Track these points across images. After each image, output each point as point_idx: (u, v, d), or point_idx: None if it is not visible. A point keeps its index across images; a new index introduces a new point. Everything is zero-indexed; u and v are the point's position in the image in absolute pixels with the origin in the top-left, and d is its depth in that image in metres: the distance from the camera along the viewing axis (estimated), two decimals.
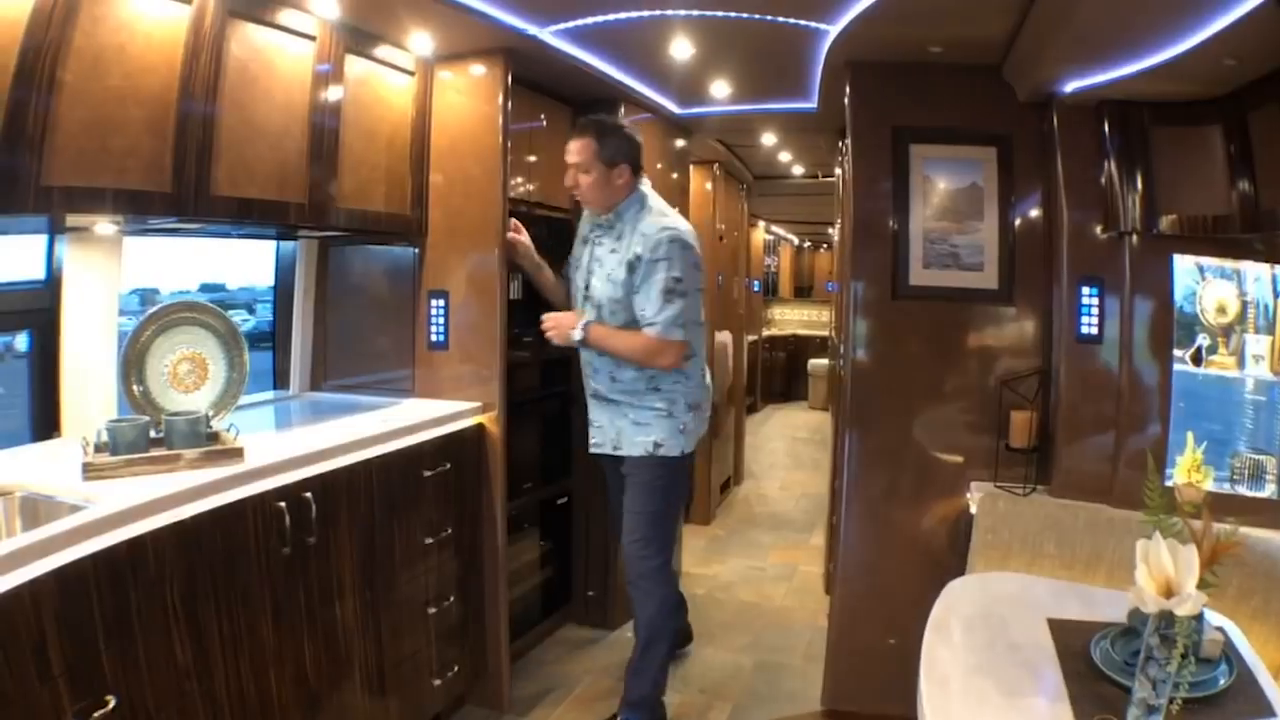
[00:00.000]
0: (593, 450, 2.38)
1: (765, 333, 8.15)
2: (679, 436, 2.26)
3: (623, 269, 2.19)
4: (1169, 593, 1.10)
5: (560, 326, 2.27)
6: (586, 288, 2.29)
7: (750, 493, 5.02)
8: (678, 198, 3.36)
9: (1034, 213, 2.30)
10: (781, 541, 4.08)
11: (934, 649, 1.41)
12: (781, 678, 2.69)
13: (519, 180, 2.57)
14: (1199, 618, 1.14)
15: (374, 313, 2.53)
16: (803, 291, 9.90)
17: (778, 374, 8.56)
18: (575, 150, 2.20)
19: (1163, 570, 1.11)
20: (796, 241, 9.74)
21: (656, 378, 2.24)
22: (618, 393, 2.28)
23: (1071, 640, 1.41)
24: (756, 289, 6.74)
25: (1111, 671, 1.28)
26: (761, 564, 3.75)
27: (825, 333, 8.84)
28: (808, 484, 5.20)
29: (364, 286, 2.56)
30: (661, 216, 2.22)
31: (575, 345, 2.28)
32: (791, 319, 9.70)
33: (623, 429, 2.28)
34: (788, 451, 6.32)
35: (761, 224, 7.54)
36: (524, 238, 2.42)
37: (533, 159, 2.67)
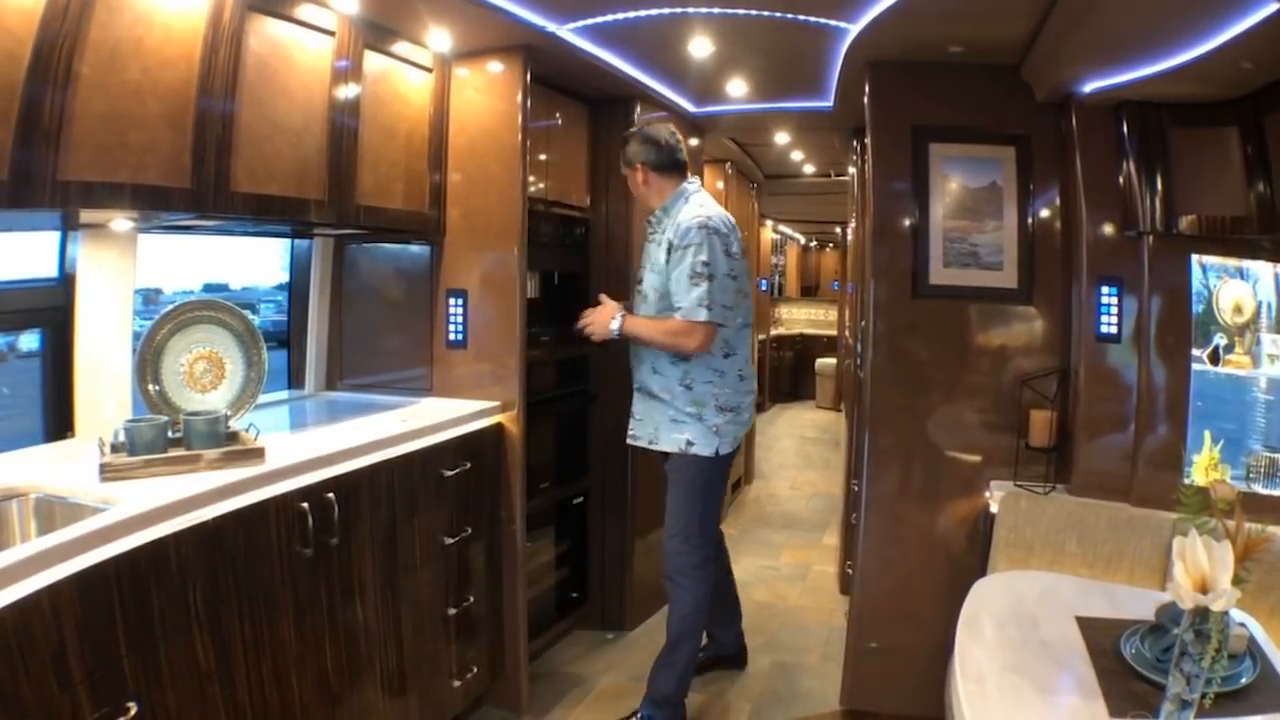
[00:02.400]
0: (629, 442, 2.41)
1: (772, 332, 8.14)
2: (712, 438, 2.27)
3: (662, 256, 2.25)
4: (1204, 589, 1.12)
5: (597, 321, 2.32)
6: (640, 283, 2.38)
7: (760, 492, 5.01)
8: None
9: (1053, 212, 2.29)
10: (794, 541, 4.07)
11: (967, 648, 1.41)
12: (799, 678, 2.68)
13: (534, 178, 2.56)
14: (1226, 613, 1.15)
15: (390, 311, 2.52)
16: (809, 291, 9.90)
17: (785, 373, 8.55)
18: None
19: (1199, 567, 1.14)
20: (803, 241, 9.74)
21: (691, 374, 2.26)
22: (657, 387, 2.31)
23: (1101, 638, 1.43)
24: (764, 288, 6.73)
25: (1144, 669, 1.31)
26: (774, 563, 3.74)
27: (832, 332, 8.86)
28: (818, 483, 5.19)
29: (380, 285, 2.55)
30: (699, 208, 2.26)
31: (613, 338, 2.30)
32: (798, 318, 9.70)
33: (660, 425, 2.31)
34: (797, 451, 6.30)
35: (769, 223, 7.53)
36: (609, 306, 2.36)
37: (550, 157, 2.66)
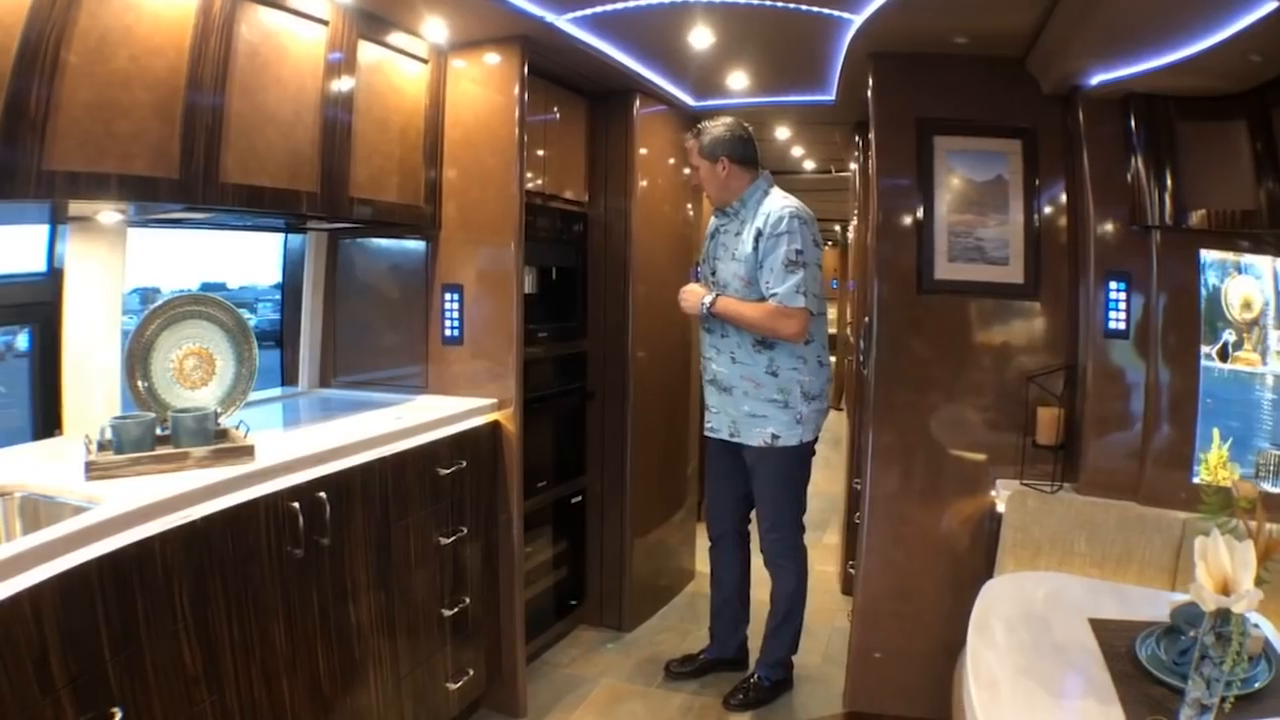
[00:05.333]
0: (708, 434, 2.49)
1: None
2: (796, 427, 2.34)
3: (748, 245, 2.31)
4: (1226, 590, 1.10)
5: (692, 296, 2.40)
6: (714, 274, 2.43)
7: None
8: (692, 194, 3.31)
9: (1059, 206, 2.26)
10: None
11: (979, 651, 1.37)
12: (802, 680, 2.65)
13: (531, 172, 2.52)
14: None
15: (385, 307, 2.48)
16: None
17: None
18: (688, 150, 2.46)
19: (1220, 568, 1.11)
20: None
21: (776, 361, 2.33)
22: (737, 377, 2.36)
23: (1114, 640, 1.40)
24: None
25: (1160, 673, 1.27)
26: None
27: (833, 330, 8.81)
28: (818, 482, 5.07)
29: (374, 281, 2.51)
30: (784, 199, 2.34)
31: (704, 313, 2.36)
32: None
33: (738, 419, 2.38)
34: None
35: None
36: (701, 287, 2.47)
37: (548, 151, 2.62)
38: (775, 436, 2.34)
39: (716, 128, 2.38)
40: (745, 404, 2.36)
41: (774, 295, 2.25)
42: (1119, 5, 1.66)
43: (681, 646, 2.68)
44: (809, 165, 4.72)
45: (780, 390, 2.33)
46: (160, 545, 1.32)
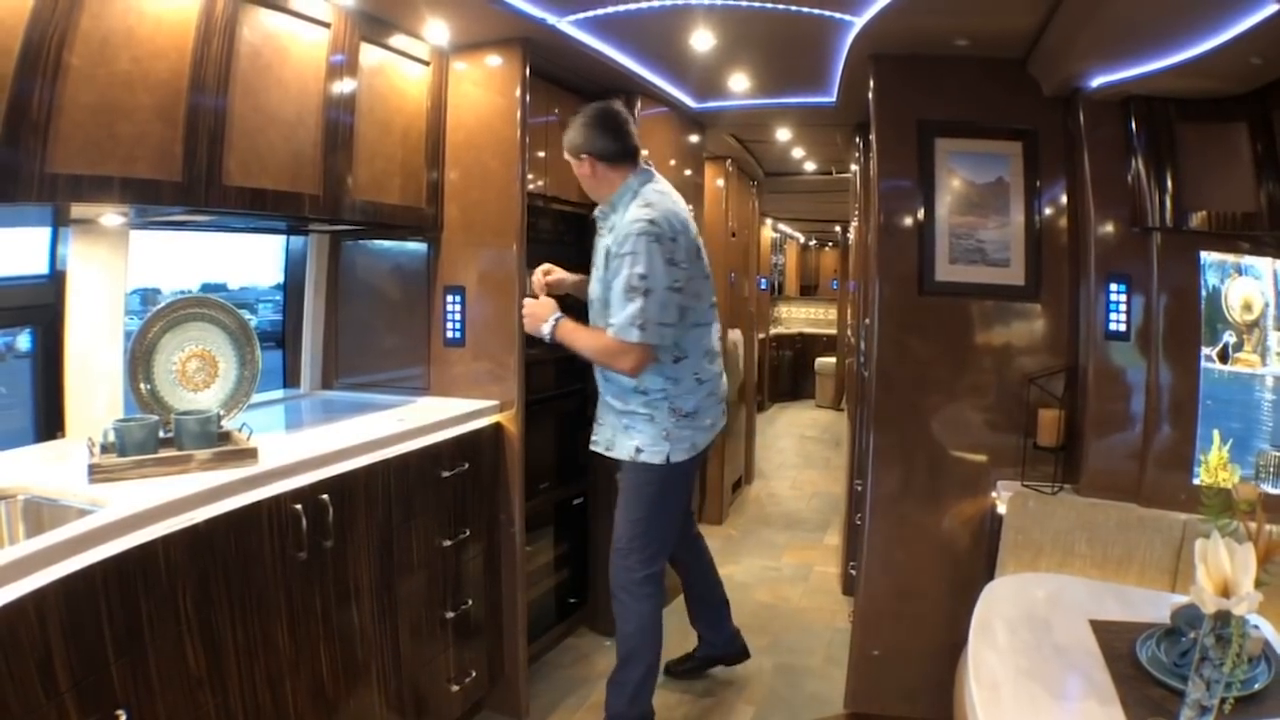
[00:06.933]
0: (590, 448, 2.29)
1: (772, 331, 8.11)
2: (663, 443, 2.11)
3: (601, 264, 2.09)
4: (1226, 593, 1.10)
5: (534, 317, 2.11)
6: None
7: (761, 492, 4.98)
8: (692, 194, 3.31)
9: (1060, 208, 2.26)
10: (795, 541, 4.04)
11: (981, 652, 1.38)
12: (803, 680, 2.65)
13: (533, 174, 2.51)
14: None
15: (387, 309, 2.48)
16: (808, 290, 9.88)
17: (785, 372, 8.53)
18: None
19: (1220, 570, 1.12)
20: (803, 239, 9.71)
21: (644, 380, 2.09)
22: (610, 394, 2.18)
23: (1115, 642, 1.41)
24: (764, 287, 6.70)
25: (1161, 674, 1.28)
26: (776, 564, 3.71)
27: (832, 331, 8.84)
28: (819, 483, 5.16)
29: (376, 282, 2.51)
30: (644, 207, 2.01)
31: (544, 339, 2.11)
32: (798, 317, 9.68)
33: (616, 430, 2.18)
34: (797, 450, 6.27)
35: (769, 221, 7.50)
36: (556, 276, 2.23)
37: (549, 153, 2.62)
38: (639, 450, 2.11)
39: (577, 122, 2.10)
40: (624, 418, 2.14)
41: (611, 325, 2.00)
42: (1122, 7, 1.66)
43: (683, 646, 2.68)
44: (810, 166, 4.73)
45: (647, 405, 2.11)
46: (164, 548, 1.32)
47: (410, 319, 2.43)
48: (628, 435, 2.14)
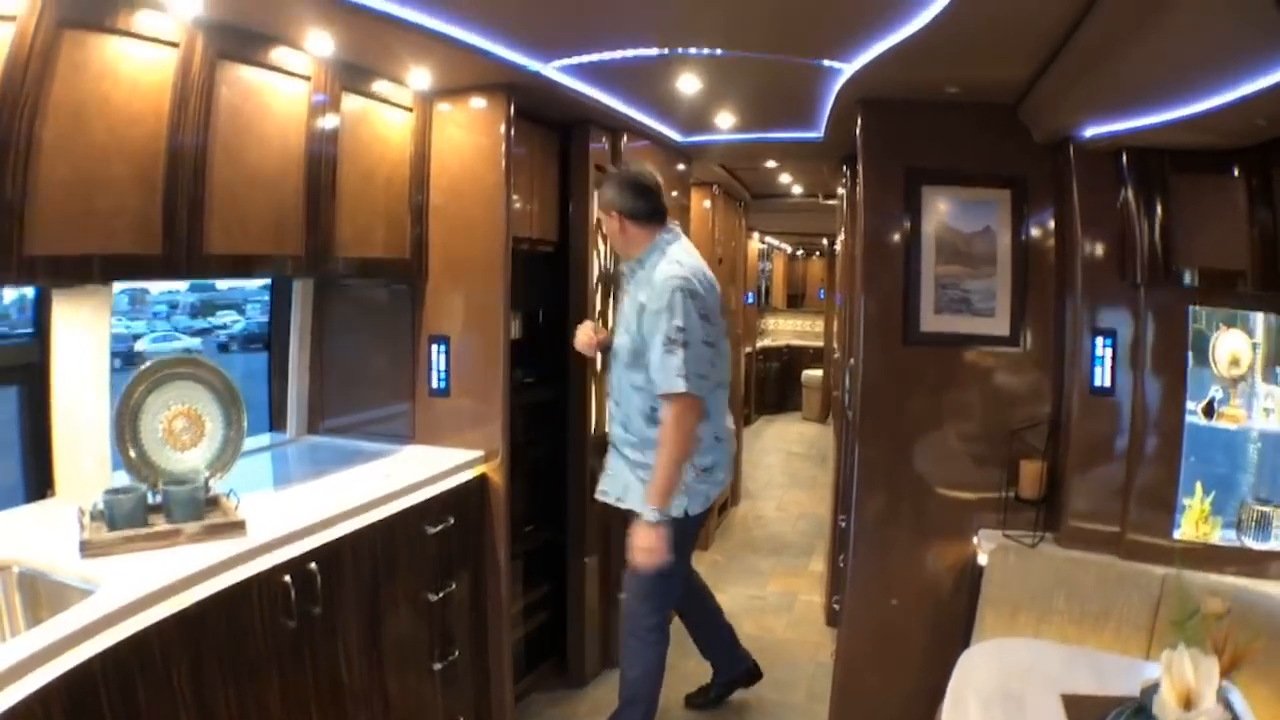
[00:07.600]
0: (597, 497, 2.32)
1: (759, 344, 8.11)
2: (681, 498, 2.15)
3: (633, 320, 2.15)
4: (1188, 704, 1.15)
5: (653, 551, 2.10)
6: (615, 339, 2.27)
7: (748, 514, 4.97)
8: (678, 218, 3.27)
9: (1047, 258, 2.26)
10: (781, 567, 4.04)
11: None
12: (787, 716, 2.66)
13: (518, 208, 2.44)
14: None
15: (372, 353, 2.46)
16: (795, 300, 9.89)
17: (771, 385, 8.52)
18: None
19: (1184, 680, 1.17)
20: (790, 250, 9.72)
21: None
22: (628, 446, 2.22)
23: (1086, 719, 1.41)
24: (750, 301, 6.70)
25: None
26: (761, 593, 3.72)
27: (819, 343, 8.84)
28: (805, 503, 5.16)
29: (362, 326, 2.48)
30: (674, 265, 2.12)
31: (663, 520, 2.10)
32: (785, 329, 9.68)
33: (630, 484, 2.21)
34: (783, 468, 6.26)
35: (755, 233, 7.50)
36: (603, 336, 2.34)
37: (531, 192, 2.58)
38: None
39: (612, 181, 2.22)
40: (641, 471, 2.17)
41: (653, 380, 2.08)
42: (1122, 65, 1.61)
43: (668, 680, 2.68)
44: (797, 190, 4.73)
45: None
46: (158, 633, 1.33)
47: (394, 364, 2.41)
48: (645, 487, 2.15)
